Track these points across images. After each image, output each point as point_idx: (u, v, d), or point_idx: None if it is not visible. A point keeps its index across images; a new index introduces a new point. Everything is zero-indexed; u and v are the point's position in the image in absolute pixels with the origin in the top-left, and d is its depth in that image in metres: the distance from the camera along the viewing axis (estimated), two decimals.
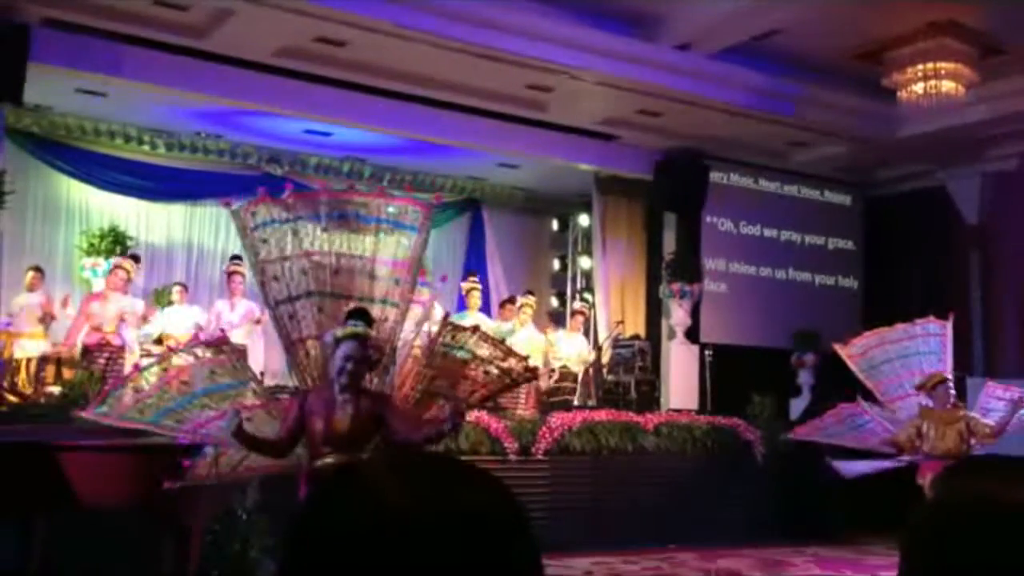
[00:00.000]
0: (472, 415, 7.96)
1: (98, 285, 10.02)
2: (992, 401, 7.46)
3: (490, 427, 8.24)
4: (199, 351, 4.75)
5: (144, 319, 9.68)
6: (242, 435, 4.09)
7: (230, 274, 9.83)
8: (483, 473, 0.86)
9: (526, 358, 5.16)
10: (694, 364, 11.19)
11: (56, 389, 8.36)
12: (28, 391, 8.61)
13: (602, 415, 9.10)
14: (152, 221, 11.42)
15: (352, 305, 4.53)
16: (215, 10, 8.19)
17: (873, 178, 12.74)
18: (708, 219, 11.79)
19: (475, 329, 5.05)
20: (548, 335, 10.63)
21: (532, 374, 5.27)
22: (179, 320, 9.54)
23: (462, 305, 10.65)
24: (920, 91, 9.20)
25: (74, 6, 8.08)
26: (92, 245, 10.77)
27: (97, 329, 8.79)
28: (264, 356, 9.68)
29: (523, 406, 9.65)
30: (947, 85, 9.17)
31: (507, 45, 8.82)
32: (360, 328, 4.23)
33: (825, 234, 12.66)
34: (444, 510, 0.80)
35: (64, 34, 8.31)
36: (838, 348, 8.09)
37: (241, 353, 6.02)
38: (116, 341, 8.81)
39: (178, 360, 4.78)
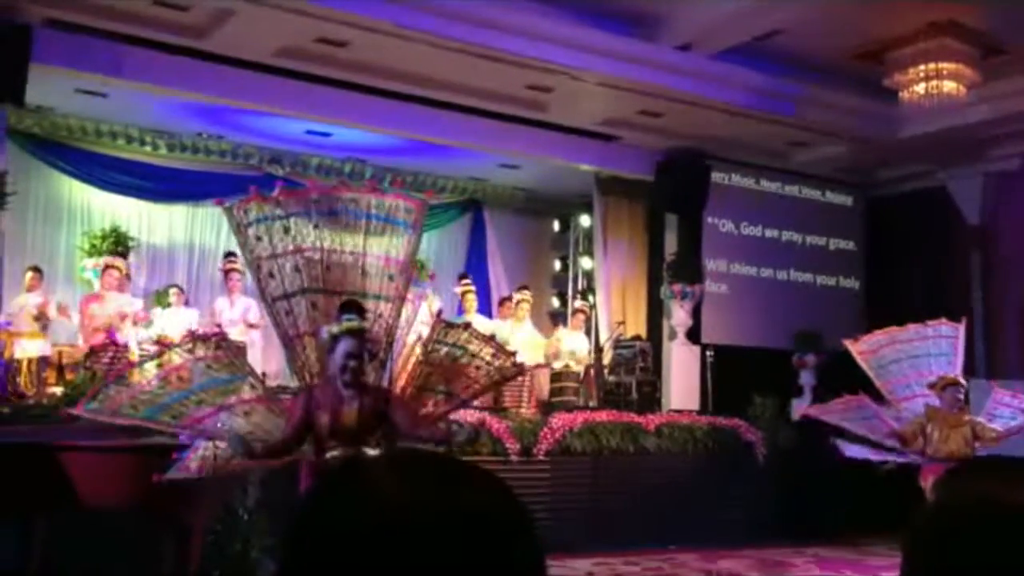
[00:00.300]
0: (474, 416, 7.97)
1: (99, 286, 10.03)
2: (999, 407, 7.42)
3: (492, 428, 8.24)
4: (195, 346, 4.75)
5: (147, 320, 9.69)
6: (253, 455, 4.11)
7: (227, 272, 9.85)
8: (485, 473, 0.86)
9: (514, 354, 5.22)
10: (695, 365, 11.18)
11: (58, 390, 8.36)
12: (30, 391, 8.61)
13: (603, 416, 9.10)
14: (153, 222, 11.42)
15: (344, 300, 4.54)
16: (215, 10, 8.19)
17: (874, 178, 12.73)
18: (709, 220, 11.78)
19: (466, 326, 5.13)
20: (556, 333, 10.67)
21: (519, 370, 5.33)
22: (177, 323, 9.53)
23: (460, 309, 10.67)
24: (922, 91, 9.20)
25: (75, 7, 8.08)
26: (94, 246, 10.76)
27: (99, 330, 8.80)
28: (262, 357, 9.68)
29: (526, 406, 9.67)
30: (949, 85, 9.16)
31: (508, 45, 8.82)
32: (355, 323, 4.23)
33: (826, 234, 12.66)
34: (445, 509, 0.79)
35: (65, 35, 8.31)
36: (848, 344, 8.03)
37: (239, 348, 6.01)
38: (121, 339, 8.82)
39: (174, 356, 4.77)
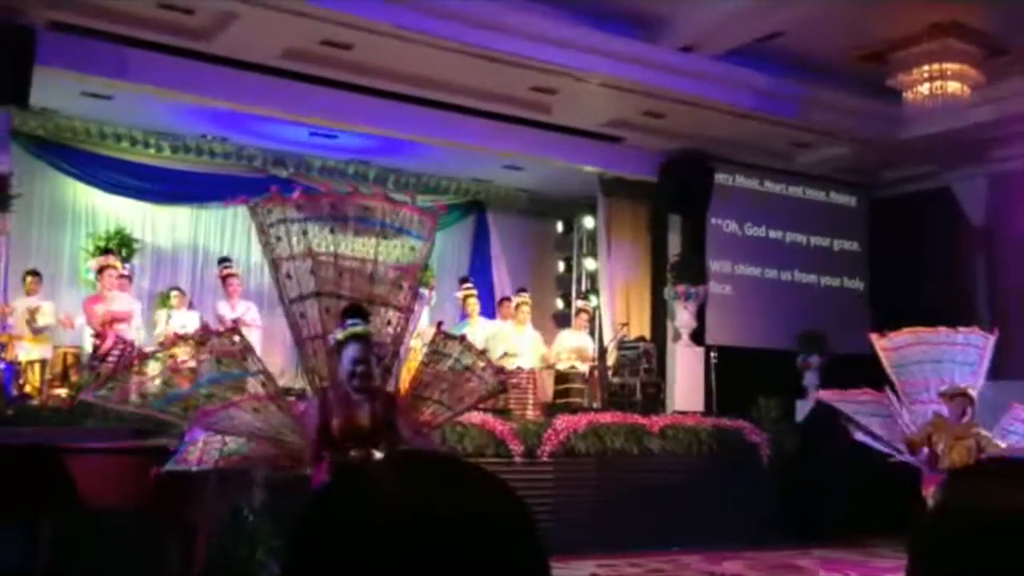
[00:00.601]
0: (477, 418, 7.97)
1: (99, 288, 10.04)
2: (1015, 423, 7.32)
3: (495, 429, 8.24)
4: (208, 339, 4.80)
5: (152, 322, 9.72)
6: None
7: (224, 278, 9.85)
8: (488, 474, 0.86)
9: (501, 369, 5.35)
10: (699, 366, 11.17)
11: (63, 392, 8.38)
12: (34, 394, 8.63)
13: (607, 417, 9.09)
14: (158, 224, 11.43)
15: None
16: (220, 13, 8.20)
17: (878, 179, 12.71)
18: (713, 221, 11.77)
19: (462, 338, 5.25)
20: (559, 336, 10.68)
21: (503, 387, 5.45)
22: (179, 326, 9.53)
23: (463, 314, 10.67)
24: (926, 92, 9.19)
25: (80, 9, 8.10)
26: (98, 248, 10.78)
27: (105, 328, 8.81)
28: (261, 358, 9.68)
29: (531, 409, 9.67)
30: (953, 86, 9.15)
31: (511, 47, 8.82)
32: (360, 328, 4.26)
33: (830, 235, 12.64)
34: (448, 510, 0.80)
35: (70, 37, 8.32)
36: (874, 338, 7.88)
37: (250, 345, 6.04)
38: (129, 337, 8.84)
39: (185, 348, 4.81)
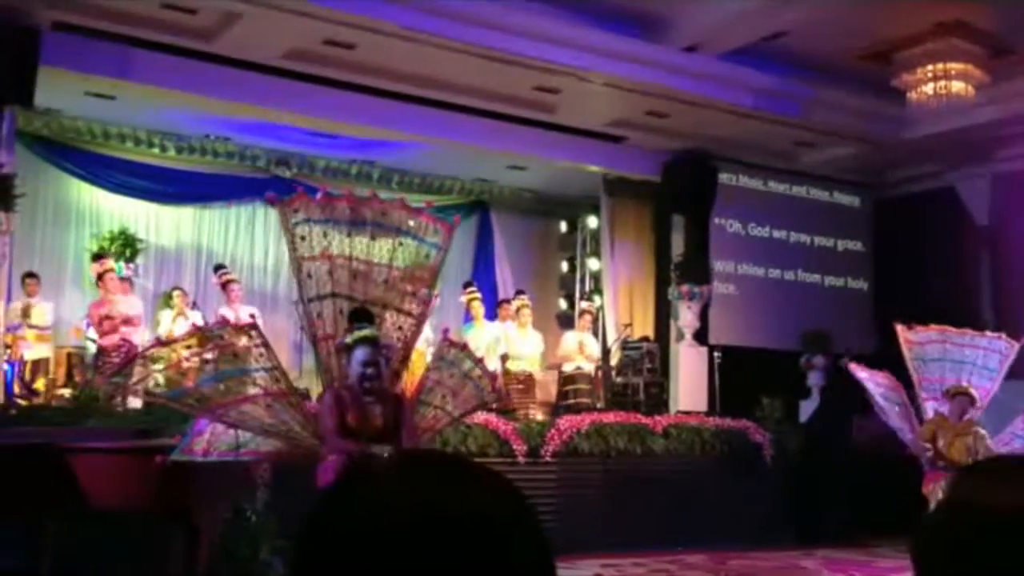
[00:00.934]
0: (480, 418, 7.98)
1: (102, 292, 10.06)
2: (1020, 431, 7.36)
3: (499, 429, 8.24)
4: (225, 333, 4.84)
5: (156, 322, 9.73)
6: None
7: (224, 284, 9.84)
8: (494, 474, 0.86)
9: (496, 377, 5.44)
10: (703, 366, 11.16)
11: (67, 391, 8.39)
12: (40, 392, 8.65)
13: (611, 417, 9.09)
14: (161, 224, 11.44)
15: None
16: (223, 13, 8.21)
17: (882, 179, 12.69)
18: (717, 221, 11.76)
19: (463, 346, 5.36)
20: (562, 338, 10.68)
21: (497, 396, 5.63)
22: (180, 327, 9.54)
23: (467, 316, 10.66)
24: (930, 92, 9.17)
25: (84, 10, 8.11)
26: (102, 248, 10.80)
27: (112, 329, 8.82)
28: None
29: (534, 409, 9.67)
30: (957, 86, 9.14)
31: (515, 47, 8.82)
32: (367, 331, 4.34)
33: (834, 235, 12.62)
34: (452, 510, 0.80)
35: (74, 38, 8.34)
36: (899, 329, 7.85)
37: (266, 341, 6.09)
38: (134, 339, 8.86)
39: (203, 343, 4.86)
